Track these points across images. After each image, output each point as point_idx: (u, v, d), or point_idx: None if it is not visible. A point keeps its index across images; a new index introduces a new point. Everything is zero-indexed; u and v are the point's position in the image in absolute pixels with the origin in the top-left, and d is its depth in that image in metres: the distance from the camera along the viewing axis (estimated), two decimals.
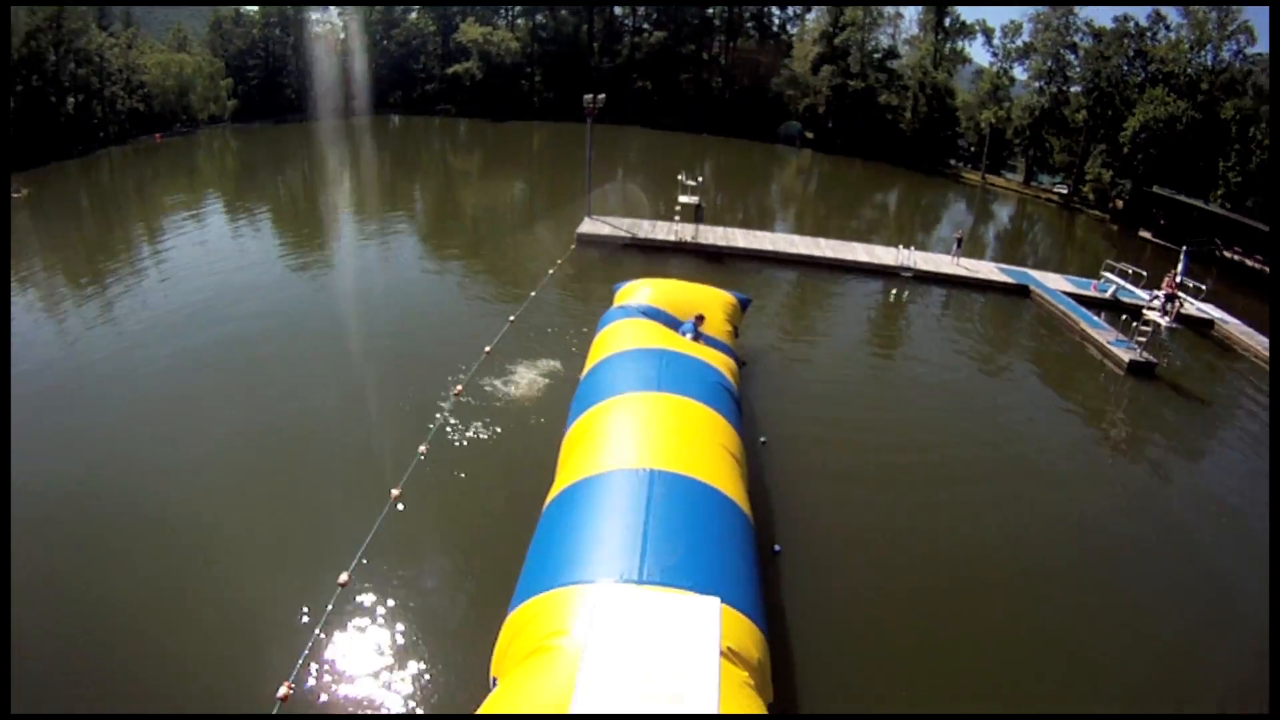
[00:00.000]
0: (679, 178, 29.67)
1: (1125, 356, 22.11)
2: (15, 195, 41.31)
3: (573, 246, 28.30)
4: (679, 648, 8.27)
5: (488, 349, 19.48)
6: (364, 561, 12.36)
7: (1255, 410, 22.57)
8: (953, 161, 62.60)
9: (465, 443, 15.76)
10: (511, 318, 21.47)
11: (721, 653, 8.20)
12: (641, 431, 12.22)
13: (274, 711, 9.83)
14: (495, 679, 9.22)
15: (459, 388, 17.64)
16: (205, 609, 11.66)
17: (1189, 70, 48.97)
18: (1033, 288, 28.13)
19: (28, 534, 12.94)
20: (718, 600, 8.79)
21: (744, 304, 19.85)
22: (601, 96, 29.43)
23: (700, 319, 17.32)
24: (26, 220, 36.01)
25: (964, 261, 29.52)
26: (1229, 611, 13.45)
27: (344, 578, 11.98)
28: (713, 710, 7.68)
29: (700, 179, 29.60)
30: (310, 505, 14.11)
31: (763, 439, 16.01)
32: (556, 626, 8.85)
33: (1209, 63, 49.30)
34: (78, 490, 14.39)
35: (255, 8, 72.02)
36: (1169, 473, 18.50)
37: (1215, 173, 46.19)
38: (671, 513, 10.36)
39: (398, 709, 10.06)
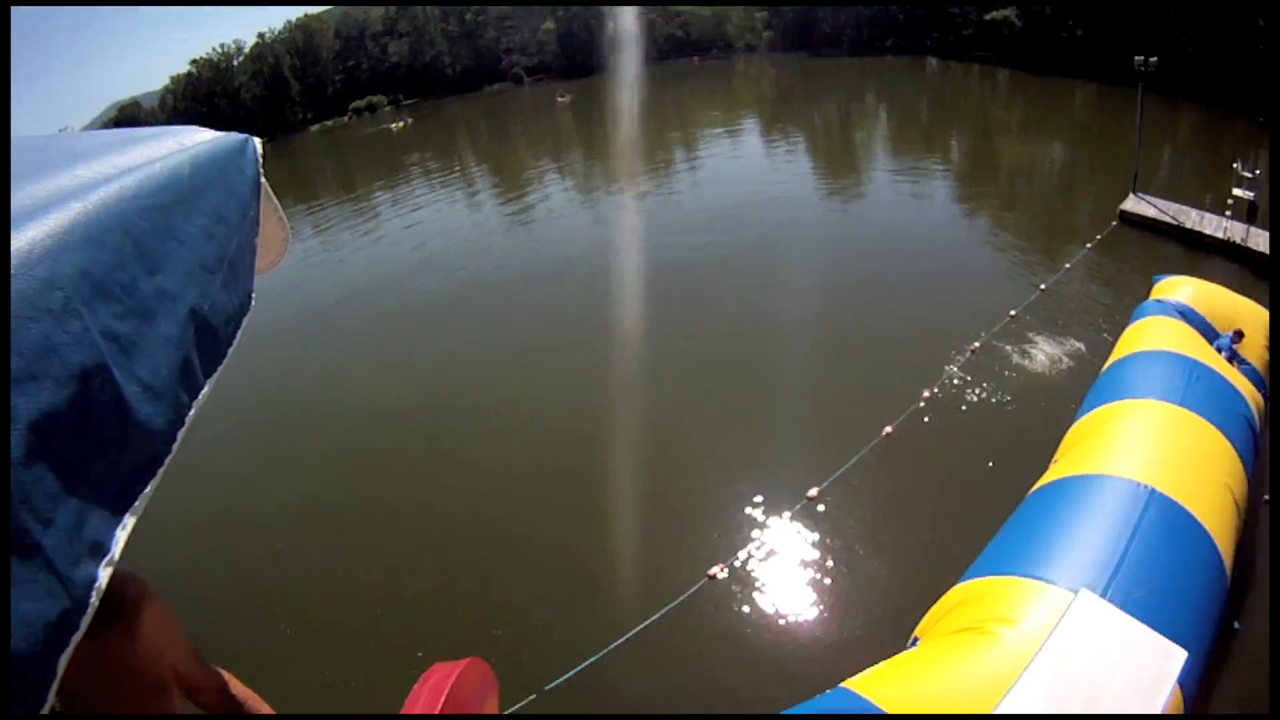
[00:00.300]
0: (1234, 165, 25.55)
1: None
2: (561, 100, 50.41)
3: (1114, 223, 25.88)
4: (1126, 684, 7.89)
5: (1013, 312, 18.88)
6: (837, 484, 13.14)
7: None
8: None
9: (969, 402, 15.74)
10: (1042, 286, 20.46)
11: None
12: (1151, 444, 11.40)
13: (698, 584, 11.18)
14: (916, 639, 9.38)
15: (976, 345, 17.49)
16: (670, 492, 13.48)
17: None
18: None
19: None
20: (1185, 655, 8.16)
21: None
22: (1154, 60, 25.87)
23: (1239, 335, 15.13)
24: (569, 121, 42.90)
25: None
26: None
27: (813, 492, 12.94)
28: None
29: (1258, 170, 24.72)
30: (803, 420, 15.24)
31: (1267, 496, 13.40)
32: (1004, 614, 8.78)
33: None
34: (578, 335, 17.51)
35: None
36: None
37: None
38: (1156, 542, 9.68)
39: (804, 626, 10.75)
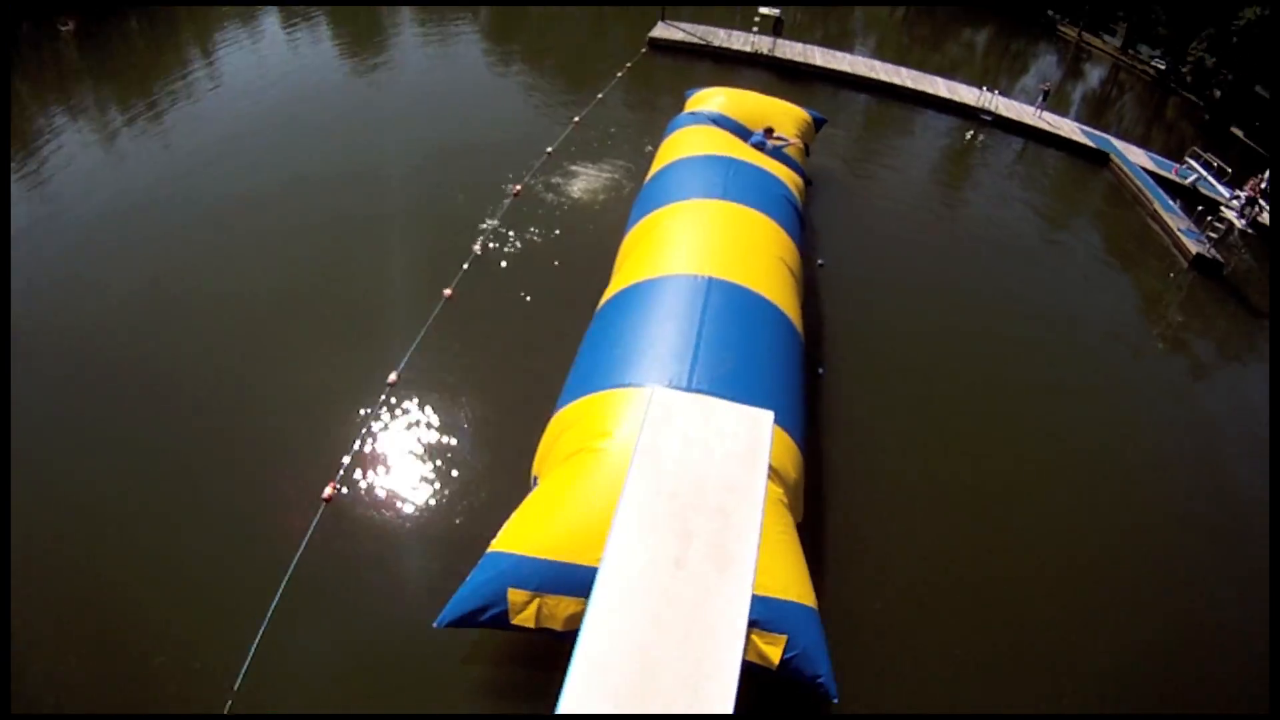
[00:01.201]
0: None
1: (1193, 249, 20.34)
2: (64, 29, 39.14)
3: (643, 50, 27.06)
4: (728, 458, 8.22)
5: (549, 150, 18.81)
6: (414, 361, 12.31)
7: None
8: (1050, 12, 57.61)
9: (521, 244, 15.44)
10: (576, 119, 20.61)
11: None
12: (702, 238, 11.90)
13: (318, 513, 9.84)
14: (536, 478, 9.26)
15: (518, 188, 17.13)
16: (255, 407, 11.45)
17: None
18: (1113, 156, 25.83)
19: (111, 322, 12.72)
20: (772, 415, 8.65)
21: (819, 123, 18.91)
22: None
23: (769, 131, 16.55)
24: (73, 55, 33.97)
25: (1047, 115, 27.63)
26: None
27: (392, 377, 11.98)
28: (757, 521, 7.71)
29: None
30: (362, 304, 13.84)
31: (820, 261, 15.52)
32: (602, 428, 8.80)
33: None
34: (151, 288, 13.74)
35: None
36: (1207, 374, 17.03)
37: None
38: (725, 322, 10.17)
39: (438, 508, 10.11)
